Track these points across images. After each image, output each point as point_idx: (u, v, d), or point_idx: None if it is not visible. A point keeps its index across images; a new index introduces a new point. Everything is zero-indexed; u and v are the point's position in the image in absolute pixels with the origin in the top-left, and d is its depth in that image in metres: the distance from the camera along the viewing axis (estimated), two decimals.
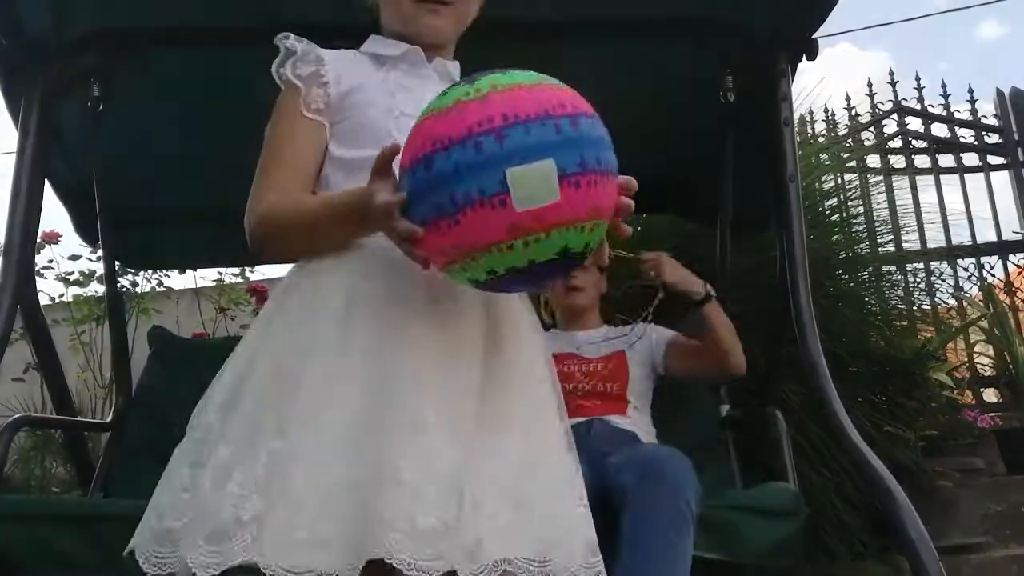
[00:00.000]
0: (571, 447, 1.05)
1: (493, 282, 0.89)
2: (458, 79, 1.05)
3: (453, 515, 0.86)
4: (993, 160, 3.85)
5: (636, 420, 1.89)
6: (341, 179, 1.10)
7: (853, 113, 3.95)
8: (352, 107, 1.12)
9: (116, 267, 2.65)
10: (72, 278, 3.59)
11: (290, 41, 1.17)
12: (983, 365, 3.49)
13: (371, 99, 1.12)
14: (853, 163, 3.50)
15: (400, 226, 0.88)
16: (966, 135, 3.90)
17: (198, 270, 3.63)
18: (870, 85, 3.98)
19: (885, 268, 3.24)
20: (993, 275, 3.69)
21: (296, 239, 1.07)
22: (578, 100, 0.88)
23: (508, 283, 0.90)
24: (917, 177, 3.79)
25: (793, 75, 1.89)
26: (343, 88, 1.13)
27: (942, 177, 3.83)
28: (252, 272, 3.80)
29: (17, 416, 1.94)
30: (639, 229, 2.69)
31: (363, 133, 1.10)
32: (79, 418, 2.52)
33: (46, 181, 1.93)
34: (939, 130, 3.93)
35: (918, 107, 3.93)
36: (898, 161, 3.87)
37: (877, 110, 3.94)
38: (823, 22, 1.80)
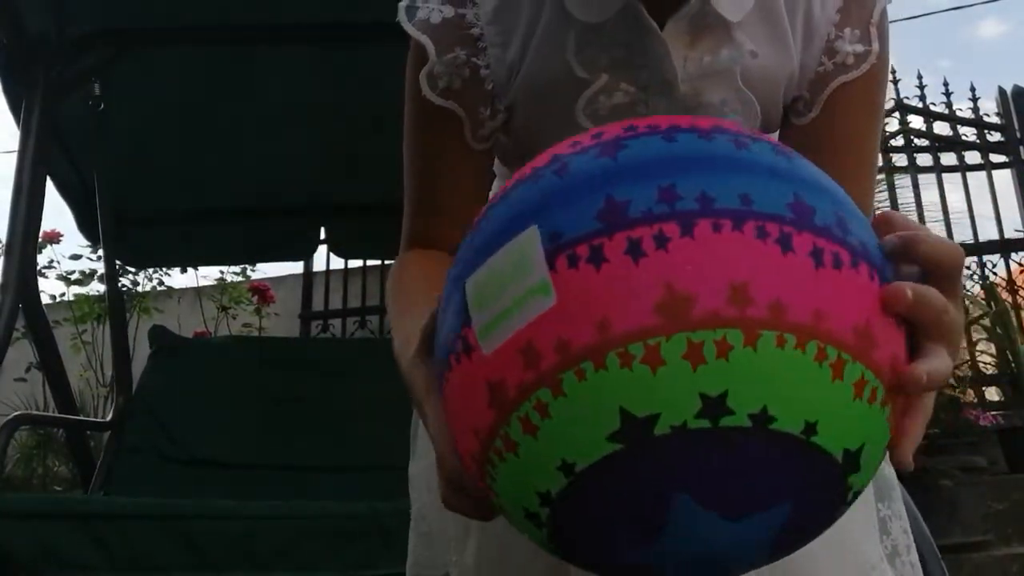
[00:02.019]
0: None
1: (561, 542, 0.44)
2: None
3: None
4: (995, 158, 3.84)
5: None
6: None
7: None
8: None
9: (117, 266, 2.66)
10: (73, 277, 3.59)
11: None
12: (985, 363, 3.48)
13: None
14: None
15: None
16: (968, 133, 3.89)
17: (199, 269, 3.64)
18: None
19: None
20: (995, 273, 3.67)
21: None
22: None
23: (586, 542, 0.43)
24: (919, 175, 3.78)
25: None
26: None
27: (944, 175, 3.82)
28: (253, 271, 3.81)
29: (17, 414, 1.95)
30: None
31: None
32: (80, 417, 2.53)
33: (48, 180, 1.93)
34: (941, 128, 3.92)
35: (920, 105, 3.92)
36: (900, 159, 3.86)
37: None
38: None
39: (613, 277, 0.38)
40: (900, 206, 3.61)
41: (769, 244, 0.38)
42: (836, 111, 0.71)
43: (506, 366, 0.40)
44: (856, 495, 0.43)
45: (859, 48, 0.70)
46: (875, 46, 0.70)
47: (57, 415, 2.14)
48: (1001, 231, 3.70)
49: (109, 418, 2.36)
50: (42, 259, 3.37)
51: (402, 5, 0.71)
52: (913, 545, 0.76)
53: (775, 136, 0.76)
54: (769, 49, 0.69)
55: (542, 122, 0.71)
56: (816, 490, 0.41)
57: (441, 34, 0.68)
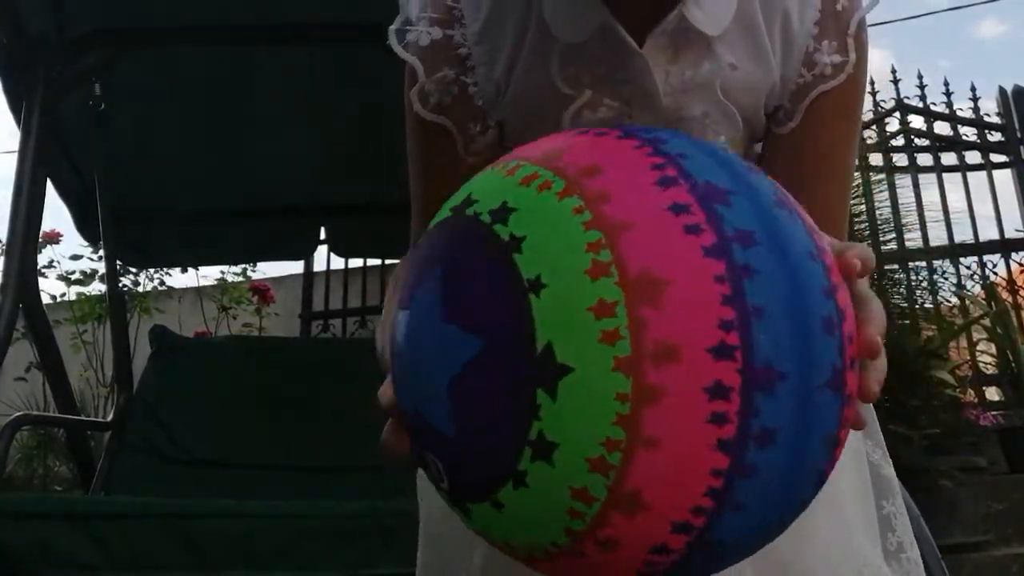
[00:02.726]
0: None
1: None
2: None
3: None
4: (996, 158, 3.84)
5: None
6: None
7: None
8: None
9: (118, 266, 2.66)
10: (74, 277, 3.60)
11: None
12: (985, 363, 3.48)
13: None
14: (855, 161, 3.48)
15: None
16: (969, 133, 3.89)
17: (200, 269, 3.64)
18: (872, 83, 3.97)
19: (887, 266, 3.23)
20: (995, 273, 3.67)
21: None
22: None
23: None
24: (919, 175, 3.78)
25: None
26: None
27: (944, 175, 3.82)
28: (254, 270, 3.81)
29: (18, 414, 1.95)
30: None
31: None
32: (81, 417, 2.53)
33: (48, 180, 1.93)
34: (941, 128, 3.92)
35: (920, 105, 3.92)
36: (900, 159, 3.86)
37: (879, 108, 3.94)
38: None
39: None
40: (900, 206, 3.61)
41: (647, 162, 0.44)
42: (815, 120, 0.72)
43: None
44: (541, 441, 0.39)
45: (837, 59, 0.71)
46: (852, 56, 0.72)
47: (58, 415, 2.14)
48: (1001, 231, 3.70)
49: (110, 418, 2.36)
50: (42, 259, 3.38)
51: (392, 29, 0.73)
52: (915, 542, 0.77)
53: (758, 146, 0.77)
54: (749, 62, 0.71)
55: (533, 137, 0.72)
56: (505, 361, 0.41)
57: (430, 55, 0.72)
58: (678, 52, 0.68)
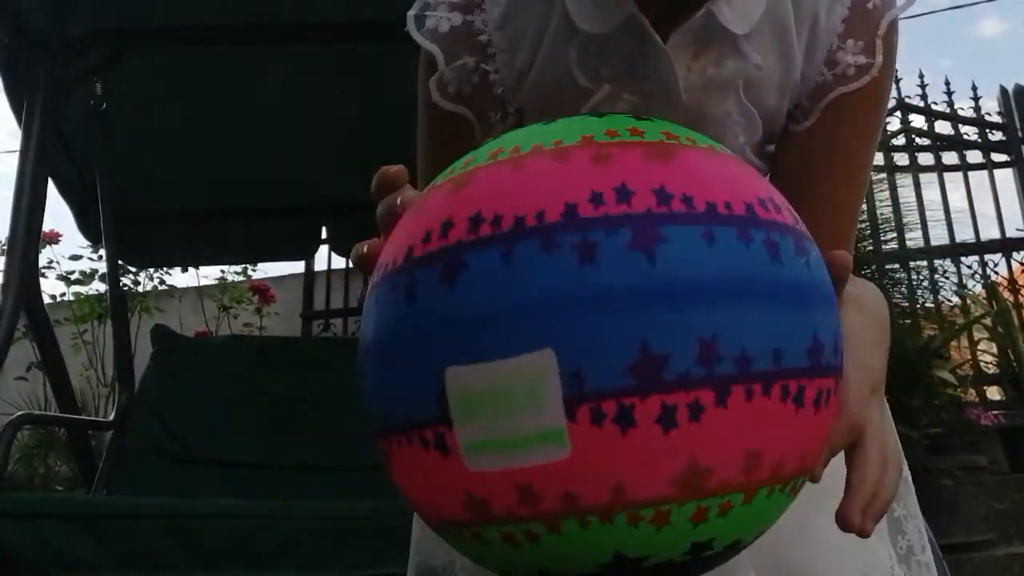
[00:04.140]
0: None
1: None
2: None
3: None
4: (997, 157, 3.84)
5: None
6: None
7: None
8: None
9: (119, 265, 2.66)
10: (73, 277, 3.60)
11: None
12: (987, 363, 3.47)
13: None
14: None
15: None
16: (970, 132, 3.89)
17: (200, 268, 3.64)
18: None
19: (888, 266, 3.23)
20: (996, 272, 3.67)
21: None
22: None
23: None
24: (920, 174, 3.78)
25: None
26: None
27: (946, 174, 3.82)
28: (254, 270, 3.81)
29: (20, 413, 1.95)
30: None
31: None
32: (82, 416, 2.53)
33: (49, 180, 1.93)
34: (943, 127, 3.92)
35: (921, 104, 3.91)
36: (901, 158, 3.86)
37: None
38: None
39: (638, 445, 0.36)
40: (901, 205, 3.61)
41: (787, 404, 0.38)
42: (831, 121, 0.70)
43: (496, 491, 0.38)
44: None
45: (861, 60, 0.68)
46: (879, 59, 0.68)
47: (60, 415, 2.14)
48: (1002, 230, 3.70)
49: (111, 417, 2.36)
50: (42, 259, 3.37)
51: (411, 15, 0.71)
52: (927, 545, 0.75)
53: (770, 147, 0.74)
54: (775, 60, 0.68)
55: None
56: None
57: (450, 42, 0.69)
58: (700, 49, 0.66)
